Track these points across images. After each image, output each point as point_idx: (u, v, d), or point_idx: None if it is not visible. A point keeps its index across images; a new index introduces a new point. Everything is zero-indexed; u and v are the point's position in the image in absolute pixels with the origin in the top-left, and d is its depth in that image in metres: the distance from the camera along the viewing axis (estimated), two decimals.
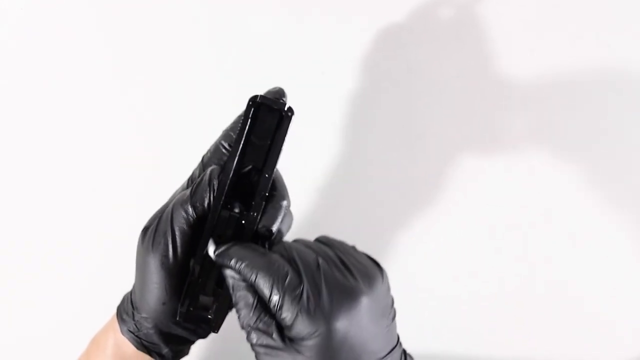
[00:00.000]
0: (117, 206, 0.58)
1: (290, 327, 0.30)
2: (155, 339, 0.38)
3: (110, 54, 0.55)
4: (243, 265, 0.32)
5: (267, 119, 0.35)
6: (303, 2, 0.54)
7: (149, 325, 0.37)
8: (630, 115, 0.57)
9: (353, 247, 0.35)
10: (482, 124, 0.58)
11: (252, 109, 0.35)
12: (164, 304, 0.36)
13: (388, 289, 0.34)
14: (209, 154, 0.38)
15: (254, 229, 0.35)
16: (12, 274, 0.59)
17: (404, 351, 0.35)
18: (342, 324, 0.30)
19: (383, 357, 0.32)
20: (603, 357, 0.65)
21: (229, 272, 0.33)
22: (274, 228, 0.35)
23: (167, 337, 0.38)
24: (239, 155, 0.35)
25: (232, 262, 0.32)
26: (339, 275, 0.32)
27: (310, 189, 0.58)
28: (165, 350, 0.39)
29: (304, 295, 0.30)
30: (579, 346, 0.65)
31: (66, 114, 0.56)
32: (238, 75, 0.56)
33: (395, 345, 0.34)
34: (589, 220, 0.60)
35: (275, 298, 0.31)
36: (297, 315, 0.30)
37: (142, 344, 0.38)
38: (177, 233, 0.34)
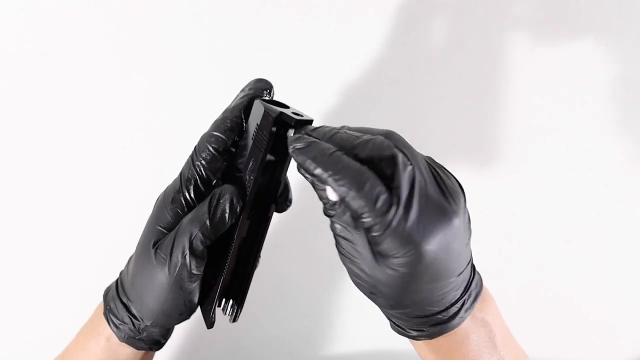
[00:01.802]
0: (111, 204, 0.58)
1: (379, 243, 0.29)
2: (158, 336, 0.40)
3: (109, 49, 0.55)
4: (329, 177, 0.29)
5: (282, 133, 0.34)
6: (303, 2, 0.54)
7: (155, 330, 0.39)
8: (630, 115, 0.57)
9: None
10: (482, 125, 0.58)
11: (275, 128, 0.33)
12: (180, 314, 0.37)
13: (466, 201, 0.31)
14: (197, 155, 0.36)
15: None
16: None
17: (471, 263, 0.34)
18: (433, 247, 0.29)
19: (460, 273, 0.31)
20: (603, 357, 0.65)
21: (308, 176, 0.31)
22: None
23: (168, 331, 0.40)
24: (260, 172, 0.34)
25: (316, 171, 0.30)
26: (433, 192, 0.29)
27: (309, 190, 0.58)
28: (163, 341, 0.41)
29: (396, 219, 0.28)
30: (578, 346, 0.65)
31: (65, 113, 0.56)
32: (237, 74, 0.56)
33: (470, 260, 0.33)
34: (588, 220, 0.60)
35: (366, 220, 0.29)
36: (386, 235, 0.28)
37: (143, 341, 0.39)
38: (196, 253, 0.34)
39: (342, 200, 0.29)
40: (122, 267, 0.40)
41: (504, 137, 0.58)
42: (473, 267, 0.33)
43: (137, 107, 0.56)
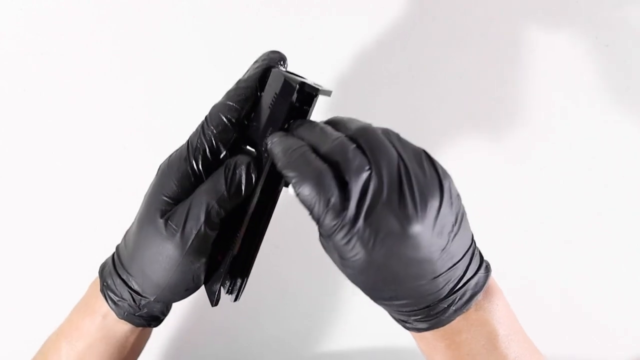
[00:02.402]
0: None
1: (334, 245, 0.29)
2: (158, 312, 0.39)
3: (109, 49, 0.55)
4: (289, 173, 0.30)
5: (301, 103, 0.33)
6: (303, 2, 0.54)
7: (157, 306, 0.38)
8: (630, 115, 0.57)
9: (415, 150, 0.31)
10: (482, 125, 0.58)
11: (296, 97, 0.32)
12: (187, 290, 0.36)
13: (450, 203, 0.30)
14: (209, 124, 0.35)
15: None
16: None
17: (478, 254, 0.33)
18: (378, 256, 0.29)
19: (437, 276, 0.30)
20: (603, 357, 0.65)
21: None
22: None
23: (167, 307, 0.40)
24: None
25: (279, 165, 0.30)
26: (389, 199, 0.28)
27: None
28: (162, 317, 0.40)
29: (345, 224, 0.28)
30: (578, 346, 0.65)
31: (65, 113, 0.56)
32: (238, 74, 0.56)
33: (465, 253, 0.32)
34: (588, 221, 0.60)
35: (322, 222, 0.29)
36: (337, 238, 0.29)
37: (142, 317, 0.39)
38: (211, 225, 0.33)
39: (297, 196, 0.29)
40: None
41: (504, 138, 0.58)
42: (468, 267, 0.32)
43: (137, 107, 0.56)
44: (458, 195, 0.31)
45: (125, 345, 0.40)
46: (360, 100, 0.57)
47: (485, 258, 0.34)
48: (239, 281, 0.37)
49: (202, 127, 0.35)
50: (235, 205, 0.34)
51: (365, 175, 0.29)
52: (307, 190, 0.29)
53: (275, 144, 0.32)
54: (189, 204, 0.33)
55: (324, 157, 0.30)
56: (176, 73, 0.56)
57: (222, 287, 0.36)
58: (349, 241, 0.29)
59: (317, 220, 0.29)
